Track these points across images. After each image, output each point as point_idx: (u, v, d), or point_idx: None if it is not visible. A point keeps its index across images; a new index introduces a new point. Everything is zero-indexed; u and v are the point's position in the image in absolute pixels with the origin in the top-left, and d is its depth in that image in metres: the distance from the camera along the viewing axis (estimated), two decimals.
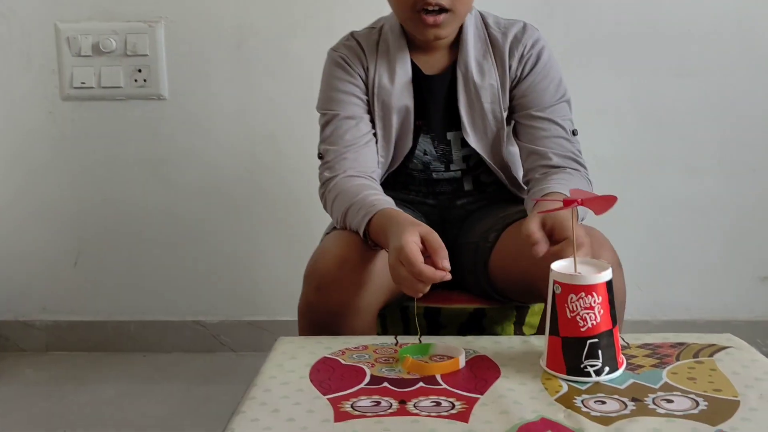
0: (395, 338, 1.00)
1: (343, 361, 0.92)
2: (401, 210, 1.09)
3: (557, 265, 0.88)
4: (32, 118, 1.98)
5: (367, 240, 1.10)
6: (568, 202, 0.87)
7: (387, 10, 1.26)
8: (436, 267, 0.94)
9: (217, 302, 2.05)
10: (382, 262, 1.09)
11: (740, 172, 1.93)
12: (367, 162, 1.23)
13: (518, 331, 1.29)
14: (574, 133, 1.24)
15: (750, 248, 1.97)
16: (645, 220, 1.96)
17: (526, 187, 1.27)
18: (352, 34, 1.30)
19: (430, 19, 1.15)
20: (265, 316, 2.03)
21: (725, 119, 1.91)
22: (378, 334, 1.32)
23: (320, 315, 1.09)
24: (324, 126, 1.26)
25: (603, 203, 0.85)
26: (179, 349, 2.05)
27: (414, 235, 0.97)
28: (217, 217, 2.02)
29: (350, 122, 1.23)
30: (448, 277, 0.95)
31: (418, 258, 0.94)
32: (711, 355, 0.91)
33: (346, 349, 0.96)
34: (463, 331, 1.26)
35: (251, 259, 2.03)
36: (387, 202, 1.12)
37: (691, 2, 1.86)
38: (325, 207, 1.23)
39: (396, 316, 1.29)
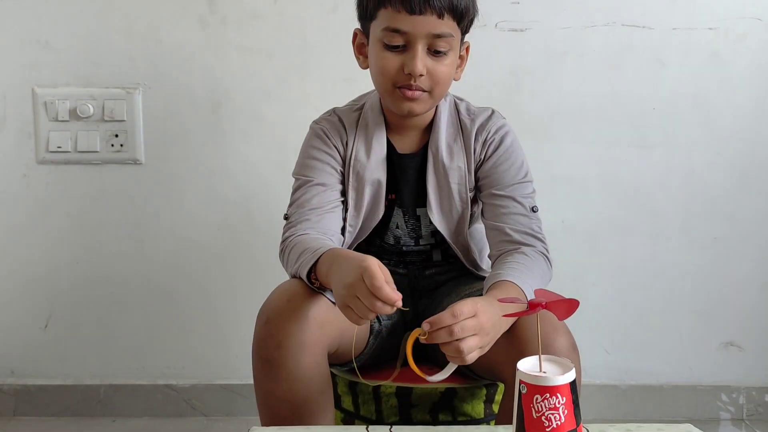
0: (366, 429, 1.02)
1: None
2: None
3: (523, 365, 0.90)
4: (6, 181, 1.98)
5: (311, 282, 1.13)
6: (533, 306, 0.90)
7: (357, 76, 1.38)
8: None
9: (189, 366, 2.04)
10: (328, 300, 1.14)
11: (702, 241, 2.00)
12: (328, 225, 1.28)
13: (488, 409, 1.31)
14: (533, 209, 1.31)
15: (713, 314, 2.02)
16: (612, 285, 2.01)
17: (491, 261, 1.32)
18: (334, 110, 1.38)
19: (408, 92, 1.23)
20: (237, 379, 2.03)
21: (686, 189, 1.98)
22: (350, 413, 1.34)
23: (268, 350, 1.10)
24: (295, 190, 1.33)
25: (566, 307, 0.88)
26: (149, 413, 2.03)
27: (377, 261, 0.99)
28: (189, 280, 2.02)
29: (320, 188, 1.30)
30: (400, 304, 0.97)
31: (381, 275, 0.97)
32: None
33: None
34: (434, 410, 1.28)
35: (223, 323, 2.03)
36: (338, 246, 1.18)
37: (650, 80, 1.94)
38: (283, 264, 1.26)
39: (369, 395, 1.30)
